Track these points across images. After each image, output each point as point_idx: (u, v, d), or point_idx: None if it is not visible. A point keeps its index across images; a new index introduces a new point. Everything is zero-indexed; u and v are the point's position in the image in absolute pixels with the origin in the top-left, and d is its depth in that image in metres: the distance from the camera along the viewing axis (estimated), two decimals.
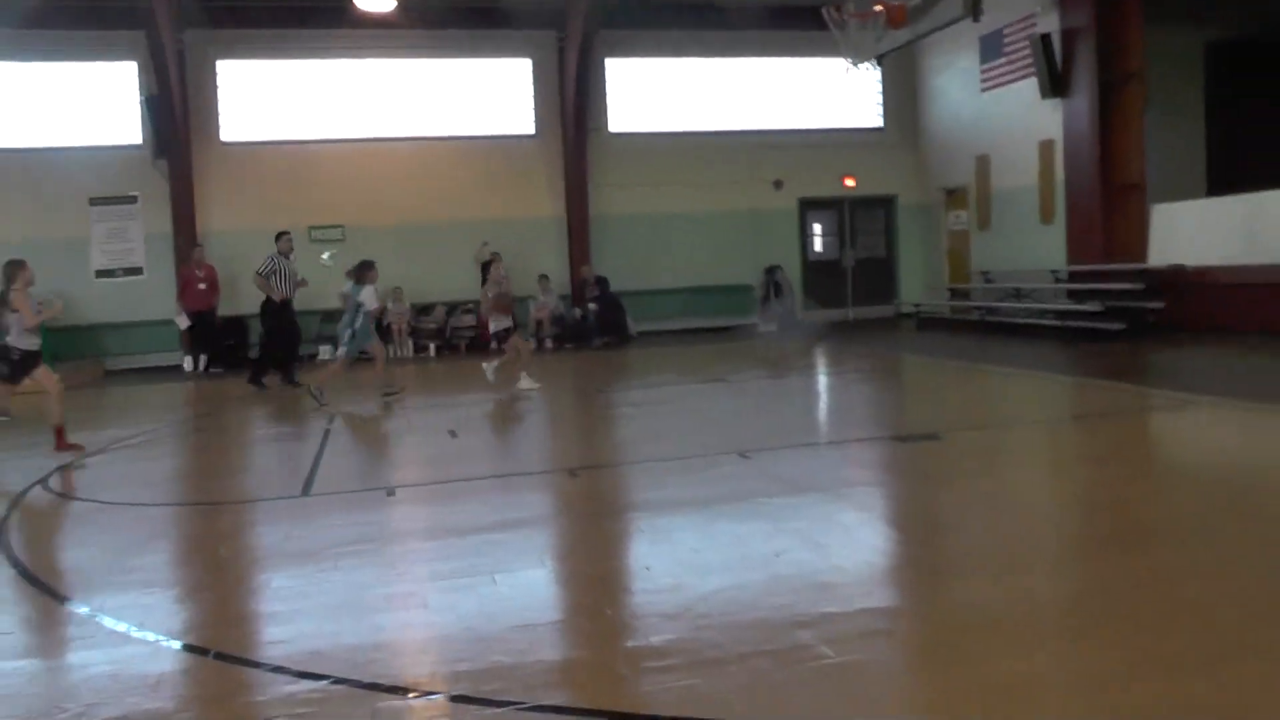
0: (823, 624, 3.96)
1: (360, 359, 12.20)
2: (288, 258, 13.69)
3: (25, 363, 9.42)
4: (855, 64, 13.44)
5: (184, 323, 17.60)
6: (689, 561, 4.91)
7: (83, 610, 4.71)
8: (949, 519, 5.76)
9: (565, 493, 6.88)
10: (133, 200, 18.40)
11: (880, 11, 12.87)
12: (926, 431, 8.06)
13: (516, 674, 3.62)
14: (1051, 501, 6.23)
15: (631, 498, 6.72)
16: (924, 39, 14.55)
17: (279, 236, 13.83)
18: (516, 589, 4.67)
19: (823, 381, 12.90)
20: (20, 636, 4.47)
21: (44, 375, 9.49)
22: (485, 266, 12.19)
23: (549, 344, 18.28)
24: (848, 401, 11.38)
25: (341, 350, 11.67)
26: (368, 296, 11.42)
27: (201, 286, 17.41)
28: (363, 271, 11.61)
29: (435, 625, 4.29)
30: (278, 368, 13.95)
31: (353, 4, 17.06)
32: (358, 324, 11.45)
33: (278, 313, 13.77)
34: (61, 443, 9.32)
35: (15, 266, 9.36)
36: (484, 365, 12.01)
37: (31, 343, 9.38)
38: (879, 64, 14.16)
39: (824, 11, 13.06)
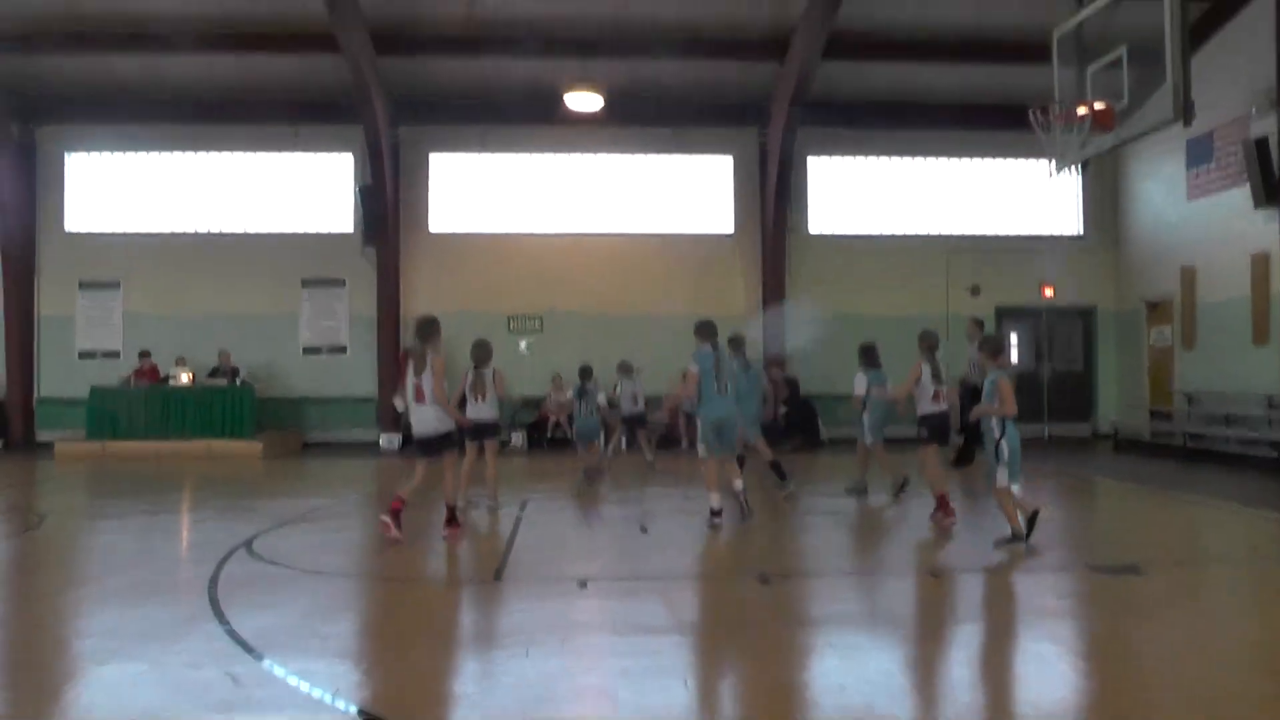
0: None
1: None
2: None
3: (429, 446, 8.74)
4: (1059, 168, 13.04)
5: (401, 404, 18.31)
6: (881, 683, 4.74)
7: (278, 672, 4.92)
8: (1149, 659, 5.34)
9: (755, 599, 6.75)
10: (341, 283, 19.63)
11: (1087, 114, 12.48)
12: (1125, 563, 7.59)
13: None
14: (1262, 648, 5.71)
15: (822, 610, 6.52)
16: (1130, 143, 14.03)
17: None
18: (707, 693, 4.59)
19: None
20: (225, 691, 4.67)
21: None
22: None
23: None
24: (1040, 525, 10.80)
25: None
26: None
27: None
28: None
29: None
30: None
31: (562, 102, 17.87)
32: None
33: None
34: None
35: (432, 326, 8.85)
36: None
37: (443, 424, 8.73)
38: (1083, 168, 13.66)
39: (1030, 113, 12.75)
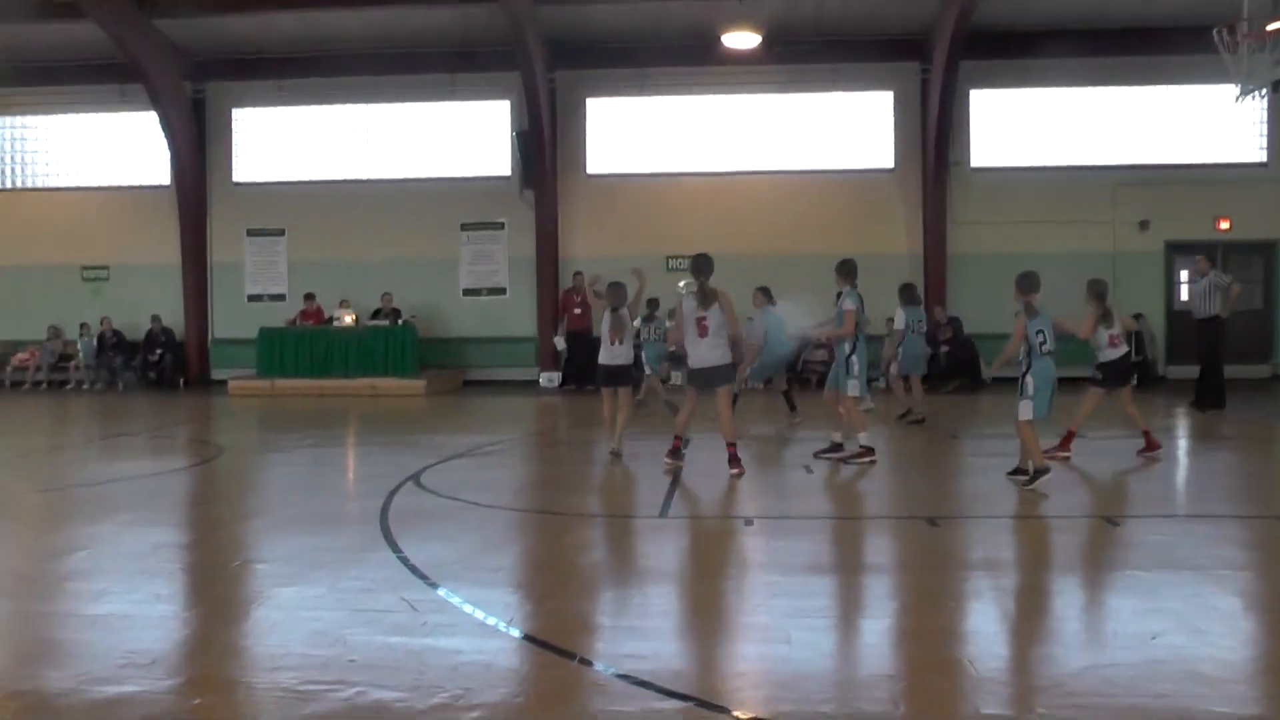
0: None
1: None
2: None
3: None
4: (1246, 92, 12.11)
5: (561, 344, 18.66)
6: (1057, 631, 4.62)
7: (453, 600, 5.08)
8: None
9: (925, 541, 6.61)
10: (500, 226, 19.96)
11: (1278, 31, 11.47)
12: None
13: None
14: None
15: (996, 554, 6.35)
16: None
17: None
18: (879, 635, 4.55)
19: (1185, 445, 11.77)
20: (402, 616, 4.85)
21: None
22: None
23: None
24: (1217, 470, 10.23)
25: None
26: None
27: (577, 310, 18.44)
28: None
29: (798, 662, 4.25)
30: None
31: (719, 41, 17.61)
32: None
33: None
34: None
35: (708, 262, 8.87)
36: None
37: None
38: (1274, 91, 12.61)
39: (1214, 33, 11.84)
